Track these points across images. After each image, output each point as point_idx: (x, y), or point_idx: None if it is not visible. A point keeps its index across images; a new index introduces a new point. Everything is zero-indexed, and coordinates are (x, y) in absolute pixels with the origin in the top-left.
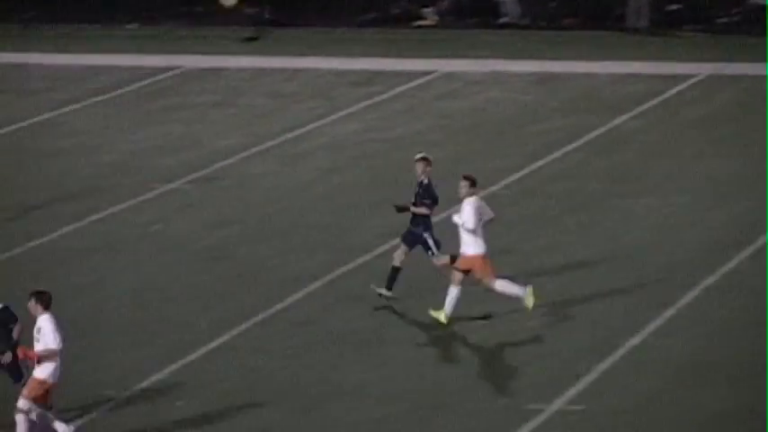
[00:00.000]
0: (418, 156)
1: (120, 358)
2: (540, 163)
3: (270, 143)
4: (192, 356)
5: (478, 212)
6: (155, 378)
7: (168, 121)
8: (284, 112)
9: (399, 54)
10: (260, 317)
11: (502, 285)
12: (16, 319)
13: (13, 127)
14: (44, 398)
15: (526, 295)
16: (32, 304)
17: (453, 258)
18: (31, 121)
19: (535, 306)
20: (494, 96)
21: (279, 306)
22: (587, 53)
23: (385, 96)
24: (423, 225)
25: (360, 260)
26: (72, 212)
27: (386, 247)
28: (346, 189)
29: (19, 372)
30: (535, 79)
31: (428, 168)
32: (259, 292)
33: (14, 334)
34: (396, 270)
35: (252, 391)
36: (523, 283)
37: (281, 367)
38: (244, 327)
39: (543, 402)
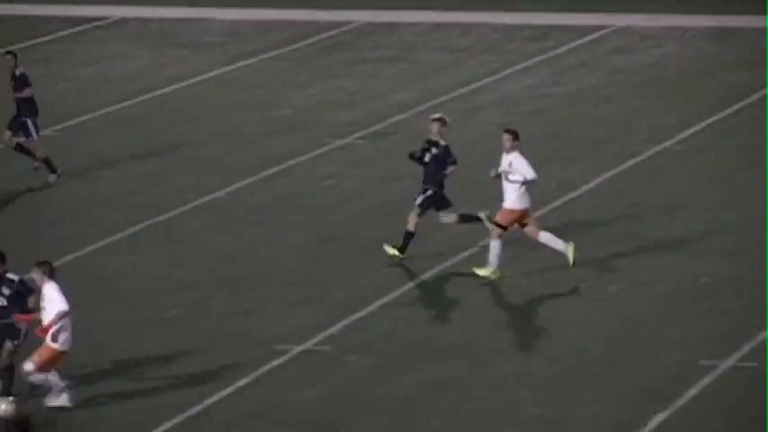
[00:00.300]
0: (435, 116)
1: (294, 312)
2: (714, 118)
3: (443, 98)
4: (365, 311)
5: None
6: (328, 332)
7: (341, 76)
8: (458, 67)
9: (573, 8)
10: (434, 271)
11: (494, 247)
12: (33, 291)
13: (188, 82)
14: (53, 365)
15: (489, 270)
16: (38, 275)
17: (408, 236)
18: (205, 75)
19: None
20: (668, 51)
21: (450, 261)
22: (764, 7)
23: (558, 51)
24: (433, 184)
25: (533, 215)
26: (245, 167)
27: (559, 202)
28: (519, 144)
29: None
30: (710, 34)
31: (443, 129)
32: (431, 247)
33: (30, 303)
34: (472, 217)
35: (425, 345)
36: (501, 264)
37: (453, 322)
38: (416, 281)
39: (717, 358)
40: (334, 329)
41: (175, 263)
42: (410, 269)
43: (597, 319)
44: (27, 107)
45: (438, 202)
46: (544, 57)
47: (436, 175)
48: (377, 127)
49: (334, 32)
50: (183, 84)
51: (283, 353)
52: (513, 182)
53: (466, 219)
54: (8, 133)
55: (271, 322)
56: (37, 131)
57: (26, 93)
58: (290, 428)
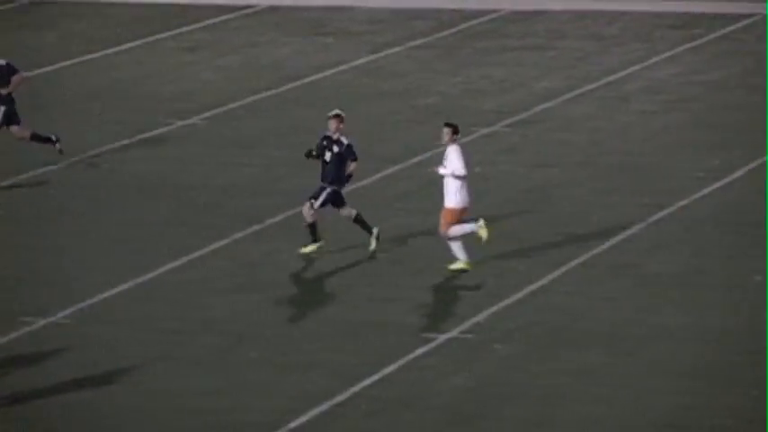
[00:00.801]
0: (332, 113)
1: (439, 300)
2: None
3: (590, 86)
4: (511, 299)
5: (464, 158)
6: (473, 320)
7: (487, 64)
8: (604, 56)
9: None
10: (581, 259)
11: (455, 231)
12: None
13: (334, 70)
14: None
15: (479, 228)
16: None
17: (312, 226)
18: (351, 64)
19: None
20: None
21: (599, 249)
22: None
23: (705, 39)
24: (332, 182)
25: (680, 203)
26: (391, 155)
27: (705, 191)
28: (666, 132)
29: None
30: None
31: (341, 126)
32: (579, 235)
33: None
34: (358, 218)
35: (570, 333)
36: (473, 219)
37: (599, 310)
38: (563, 269)
39: None
40: (479, 317)
41: (320, 251)
42: (556, 257)
43: (740, 309)
44: (3, 97)
45: (337, 200)
46: (690, 45)
47: (338, 173)
48: (523, 115)
49: (480, 20)
50: (330, 72)
51: (429, 341)
52: (442, 174)
53: (360, 222)
54: (14, 128)
55: (416, 310)
56: (6, 122)
57: (13, 85)
58: (435, 416)
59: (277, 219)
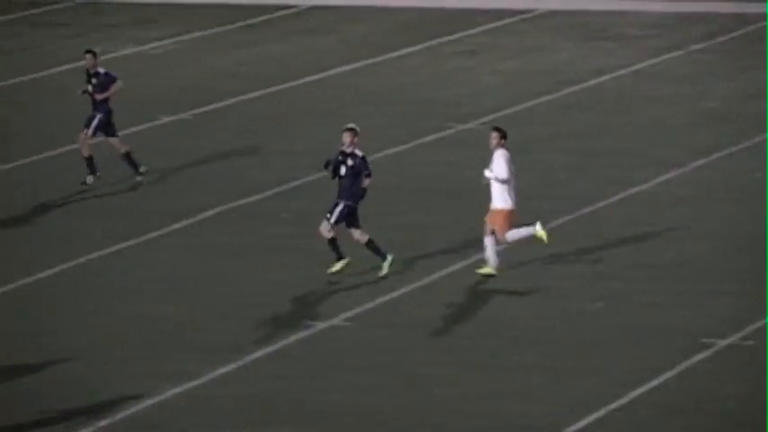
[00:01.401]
0: (347, 126)
1: (717, 305)
2: None
3: None
4: None
5: (510, 164)
6: (753, 327)
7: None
8: None
9: None
10: None
11: (512, 235)
12: None
13: (614, 74)
14: None
15: (536, 230)
16: None
17: (332, 241)
18: (631, 68)
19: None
20: None
21: None
22: None
23: None
24: (347, 197)
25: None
26: (672, 159)
27: None
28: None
29: None
30: None
31: (356, 139)
32: None
33: None
34: (370, 243)
35: None
36: (528, 223)
37: None
38: None
39: None
40: (759, 323)
41: (599, 254)
42: None
43: None
44: (101, 105)
45: (350, 217)
46: None
47: (352, 188)
48: None
49: (759, 25)
50: (609, 76)
51: (709, 346)
52: (487, 177)
53: (372, 247)
54: (114, 140)
55: (695, 315)
56: (95, 129)
57: (111, 91)
58: (714, 423)
59: (555, 224)
